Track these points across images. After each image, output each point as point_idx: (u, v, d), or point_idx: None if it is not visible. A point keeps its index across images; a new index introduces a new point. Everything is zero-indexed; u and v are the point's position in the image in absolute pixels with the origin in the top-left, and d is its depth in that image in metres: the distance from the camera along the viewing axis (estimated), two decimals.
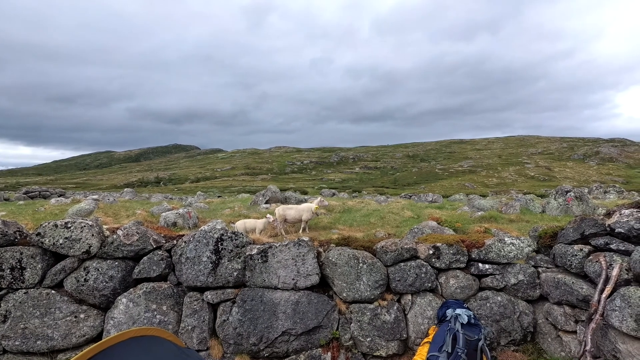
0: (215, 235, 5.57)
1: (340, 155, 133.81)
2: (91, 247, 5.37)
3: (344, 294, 5.55)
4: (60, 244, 5.33)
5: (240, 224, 9.52)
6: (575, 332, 5.05)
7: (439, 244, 5.92)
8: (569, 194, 18.33)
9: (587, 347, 4.22)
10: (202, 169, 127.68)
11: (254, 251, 5.50)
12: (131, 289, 5.43)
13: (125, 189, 29.31)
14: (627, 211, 4.73)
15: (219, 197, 41.15)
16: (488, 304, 5.73)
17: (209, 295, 5.40)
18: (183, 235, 5.89)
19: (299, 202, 22.33)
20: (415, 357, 5.10)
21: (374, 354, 5.43)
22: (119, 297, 5.37)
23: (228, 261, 5.47)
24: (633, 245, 4.40)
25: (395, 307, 5.62)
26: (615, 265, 4.38)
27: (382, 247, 5.85)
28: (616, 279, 4.27)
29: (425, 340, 5.30)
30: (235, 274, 5.44)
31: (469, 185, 71.69)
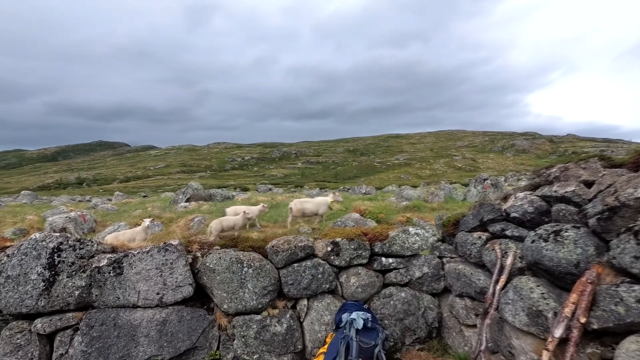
0: (51, 245, 4.28)
1: (282, 150, 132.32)
2: None
3: (225, 306, 4.62)
4: None
5: (216, 223, 7.96)
6: (475, 326, 4.70)
7: (338, 239, 5.26)
8: (486, 181, 19.34)
9: (482, 347, 3.81)
10: (133, 168, 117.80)
11: (104, 262, 4.31)
12: None
13: (22, 192, 25.14)
14: (521, 194, 4.45)
15: (144, 196, 37.72)
16: (392, 302, 5.21)
17: (39, 324, 4.12)
18: (8, 246, 4.48)
19: (225, 198, 20.89)
20: None
21: None
22: None
23: (68, 277, 4.22)
24: (527, 231, 4.09)
25: (288, 315, 4.83)
26: (509, 253, 4.03)
27: (273, 246, 5.02)
28: (510, 269, 3.91)
29: (321, 350, 4.62)
30: (77, 293, 4.22)
31: (404, 177, 75.09)
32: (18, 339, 4.07)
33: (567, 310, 3.09)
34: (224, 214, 12.65)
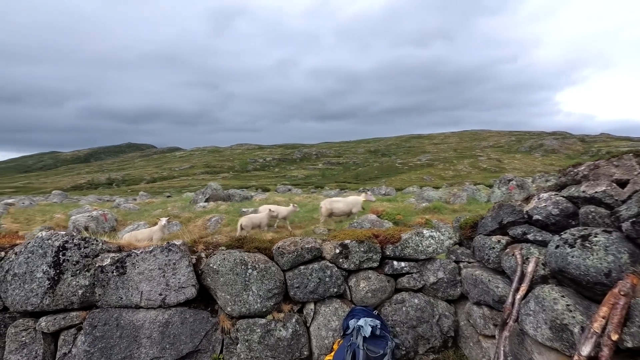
0: (56, 243, 4.29)
1: (303, 151, 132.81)
2: None
3: (229, 308, 4.49)
4: None
5: (247, 219, 8.18)
6: (494, 336, 4.35)
7: (347, 241, 5.03)
8: (511, 182, 18.47)
9: None
10: (159, 169, 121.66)
11: (107, 261, 4.28)
12: None
13: (53, 192, 26.33)
14: (545, 195, 4.06)
15: (168, 196, 38.86)
16: (404, 308, 4.93)
17: (43, 323, 4.12)
18: (17, 244, 4.54)
19: (244, 199, 20.99)
20: None
21: None
22: None
23: (72, 276, 4.21)
24: (551, 235, 3.72)
25: (294, 320, 4.65)
26: (531, 260, 3.68)
27: (279, 248, 4.86)
28: (532, 276, 3.56)
29: (327, 358, 4.42)
30: (81, 292, 4.20)
31: (427, 178, 73.53)
32: (23, 336, 4.09)
33: (597, 326, 2.74)
34: (240, 214, 12.64)
